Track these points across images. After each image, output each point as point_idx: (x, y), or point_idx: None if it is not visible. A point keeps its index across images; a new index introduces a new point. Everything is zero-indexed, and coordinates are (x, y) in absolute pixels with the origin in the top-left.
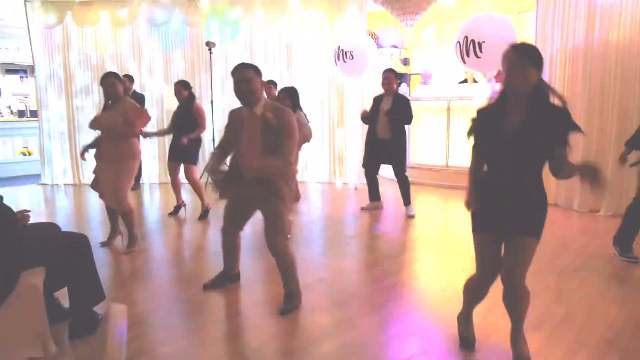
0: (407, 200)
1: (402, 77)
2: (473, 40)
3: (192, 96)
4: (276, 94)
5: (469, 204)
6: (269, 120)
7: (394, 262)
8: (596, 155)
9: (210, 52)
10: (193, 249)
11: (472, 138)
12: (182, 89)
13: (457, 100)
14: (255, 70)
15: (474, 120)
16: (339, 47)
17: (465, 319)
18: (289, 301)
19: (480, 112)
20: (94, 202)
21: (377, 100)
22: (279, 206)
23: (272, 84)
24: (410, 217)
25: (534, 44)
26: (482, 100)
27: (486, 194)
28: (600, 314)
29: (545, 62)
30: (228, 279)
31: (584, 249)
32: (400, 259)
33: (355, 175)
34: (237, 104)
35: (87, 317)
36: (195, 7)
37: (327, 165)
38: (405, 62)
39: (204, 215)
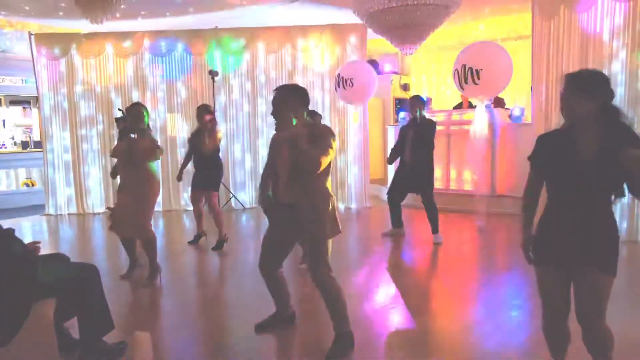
0: (435, 228)
1: (402, 103)
2: (471, 68)
3: (213, 120)
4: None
5: (527, 256)
6: (296, 137)
7: (399, 284)
8: None
9: (213, 81)
10: (202, 276)
11: (534, 164)
12: (205, 112)
13: (456, 125)
14: (290, 93)
15: (537, 147)
16: (338, 74)
17: None
18: (337, 345)
19: (543, 137)
20: (100, 232)
21: (405, 127)
22: (317, 233)
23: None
24: (437, 244)
25: (596, 70)
26: (480, 125)
27: (551, 224)
28: None
29: (542, 88)
30: (282, 320)
31: None
32: (405, 281)
33: (357, 200)
34: (238, 132)
35: (97, 347)
36: (199, 37)
37: (333, 190)
38: (405, 87)
39: (219, 245)
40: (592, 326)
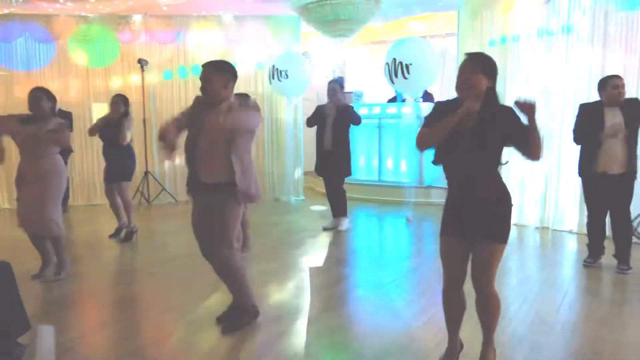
0: (343, 212)
1: None
2: (401, 63)
3: (127, 113)
4: None
5: (462, 113)
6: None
7: (329, 275)
8: None
9: (143, 70)
10: (127, 271)
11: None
12: (121, 103)
13: (388, 119)
14: (217, 68)
15: (435, 110)
16: (273, 66)
17: (449, 348)
18: (234, 318)
19: (441, 104)
20: (9, 228)
21: (321, 109)
22: (228, 212)
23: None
24: (343, 230)
25: (489, 55)
26: (411, 119)
27: (451, 199)
28: (513, 313)
29: None
30: (240, 311)
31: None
32: (335, 272)
33: (291, 192)
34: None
35: (11, 349)
36: (127, 23)
37: (267, 182)
38: (340, 80)
39: (129, 236)
40: (486, 291)
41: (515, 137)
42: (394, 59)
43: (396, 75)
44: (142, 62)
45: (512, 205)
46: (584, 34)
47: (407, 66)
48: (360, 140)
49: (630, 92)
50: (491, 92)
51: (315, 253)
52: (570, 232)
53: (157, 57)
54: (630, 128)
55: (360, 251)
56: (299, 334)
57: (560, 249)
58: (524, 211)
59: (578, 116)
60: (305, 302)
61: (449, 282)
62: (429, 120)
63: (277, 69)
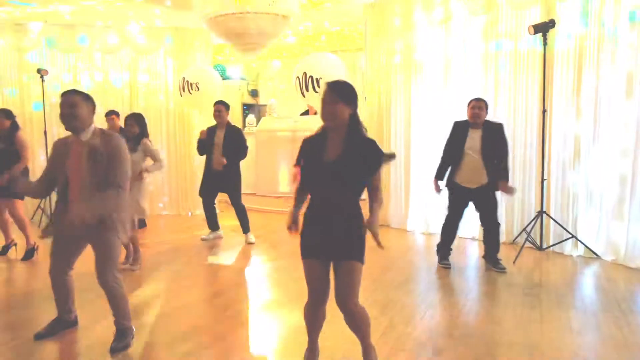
0: (246, 228)
1: (250, 108)
2: (311, 77)
3: (15, 126)
4: (119, 124)
5: (289, 226)
6: (96, 147)
7: (238, 292)
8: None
9: (43, 80)
10: (22, 292)
11: (301, 163)
12: (4, 118)
13: (301, 132)
14: (84, 96)
15: (301, 148)
16: (183, 78)
17: (310, 350)
18: (120, 339)
19: (306, 140)
20: None
21: (211, 131)
22: (111, 239)
23: (114, 114)
24: (250, 244)
25: (349, 82)
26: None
27: (311, 221)
28: (418, 320)
29: (375, 97)
30: (64, 325)
31: (410, 264)
32: (244, 288)
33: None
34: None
35: None
36: (25, 31)
37: (176, 195)
38: (254, 93)
39: (28, 254)
40: (351, 308)
41: (371, 170)
42: (305, 73)
43: (307, 89)
44: (41, 72)
45: (364, 226)
46: (478, 55)
47: (317, 80)
48: (273, 154)
49: (522, 110)
50: (354, 119)
51: (223, 269)
52: (473, 238)
53: (58, 67)
54: (484, 147)
55: (270, 266)
56: (204, 354)
57: (464, 255)
58: (430, 220)
59: (451, 132)
60: (213, 319)
61: (312, 301)
62: (298, 159)
63: (187, 81)
